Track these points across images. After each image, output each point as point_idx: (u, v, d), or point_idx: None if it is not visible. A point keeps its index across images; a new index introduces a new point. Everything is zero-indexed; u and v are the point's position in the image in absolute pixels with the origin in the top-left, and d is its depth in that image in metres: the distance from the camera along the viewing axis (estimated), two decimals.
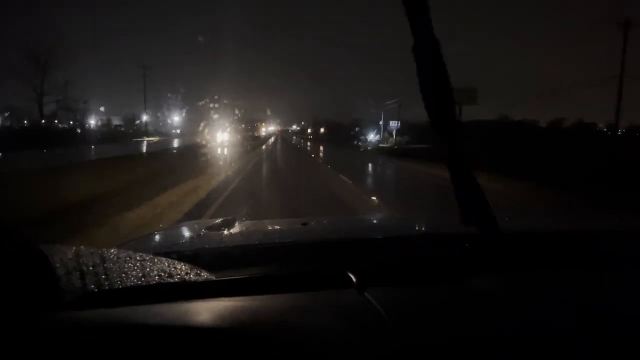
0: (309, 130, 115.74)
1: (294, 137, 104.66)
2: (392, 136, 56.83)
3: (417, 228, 1.75)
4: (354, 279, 0.92)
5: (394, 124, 56.56)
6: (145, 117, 57.55)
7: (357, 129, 65.49)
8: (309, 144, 64.80)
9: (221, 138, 38.90)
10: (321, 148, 46.43)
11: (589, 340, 0.73)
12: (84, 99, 43.00)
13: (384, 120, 60.27)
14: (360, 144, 57.13)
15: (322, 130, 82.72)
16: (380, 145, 53.51)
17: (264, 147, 43.57)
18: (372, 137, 60.09)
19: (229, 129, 42.54)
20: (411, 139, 55.14)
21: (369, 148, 50.31)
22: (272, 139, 73.52)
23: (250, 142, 42.05)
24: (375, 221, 2.52)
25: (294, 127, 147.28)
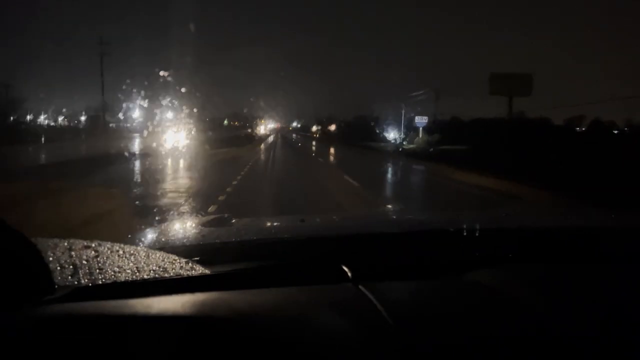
0: (314, 128, 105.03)
1: (295, 136, 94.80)
2: (419, 135, 46.81)
3: (414, 223, 1.74)
4: (348, 273, 0.92)
5: (421, 121, 46.41)
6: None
7: (383, 124, 54.04)
8: (314, 143, 54.63)
9: (173, 142, 23.40)
10: (332, 151, 36.39)
11: (588, 336, 0.73)
12: (5, 83, 32.76)
13: (405, 116, 49.97)
14: (387, 144, 46.34)
15: (332, 127, 70.63)
16: (407, 146, 43.41)
17: (253, 158, 23.15)
18: (392, 136, 49.58)
19: (187, 128, 24.78)
20: (441, 138, 45.30)
21: (396, 149, 40.19)
22: (271, 138, 63.57)
23: (215, 150, 23.89)
24: (374, 217, 2.45)
25: (295, 124, 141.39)
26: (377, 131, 51.50)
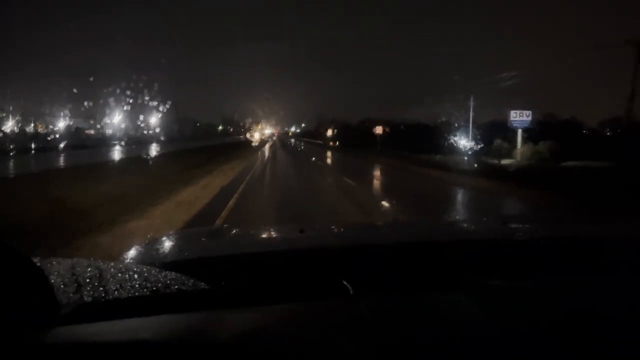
0: (329, 133, 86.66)
1: (298, 143, 76.82)
2: (517, 142, 29.28)
3: (414, 235, 1.71)
4: (349, 288, 0.92)
5: (521, 118, 28.84)
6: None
7: (444, 127, 35.06)
8: (331, 154, 37.24)
9: None
10: (380, 176, 19.29)
11: (585, 344, 0.71)
12: None
13: (473, 115, 32.21)
14: (458, 156, 28.04)
15: (378, 130, 49.99)
16: (503, 162, 25.83)
17: None
18: (466, 144, 31.78)
19: None
20: (556, 146, 27.90)
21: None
22: (268, 145, 46.95)
23: None
24: (374, 228, 2.39)
25: (293, 129, 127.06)
26: (447, 138, 33.47)
